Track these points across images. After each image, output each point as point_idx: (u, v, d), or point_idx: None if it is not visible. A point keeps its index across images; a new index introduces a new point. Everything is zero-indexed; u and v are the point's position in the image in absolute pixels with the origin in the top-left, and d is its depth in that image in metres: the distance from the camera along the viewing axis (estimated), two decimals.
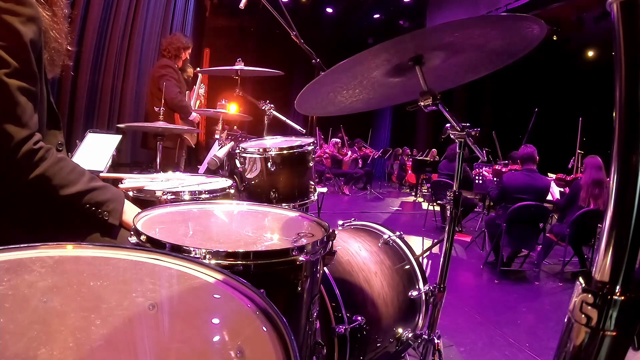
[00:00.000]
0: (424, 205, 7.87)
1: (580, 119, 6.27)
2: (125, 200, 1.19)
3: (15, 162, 0.94)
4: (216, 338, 0.54)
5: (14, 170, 0.96)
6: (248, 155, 1.83)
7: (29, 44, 0.94)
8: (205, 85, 4.22)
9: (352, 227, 1.87)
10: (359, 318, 1.37)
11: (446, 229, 1.32)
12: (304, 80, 1.54)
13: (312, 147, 1.86)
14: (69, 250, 0.69)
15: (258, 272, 0.85)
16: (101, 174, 1.82)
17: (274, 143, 1.98)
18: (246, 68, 2.52)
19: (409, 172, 10.72)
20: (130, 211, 1.18)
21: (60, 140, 1.16)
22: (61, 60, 1.14)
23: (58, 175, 1.02)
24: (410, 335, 1.53)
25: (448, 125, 1.26)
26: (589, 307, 0.45)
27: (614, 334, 0.44)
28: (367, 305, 1.45)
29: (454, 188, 1.32)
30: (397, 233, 1.75)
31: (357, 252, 1.59)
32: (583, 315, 0.46)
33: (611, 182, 0.46)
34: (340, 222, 1.87)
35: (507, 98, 12.48)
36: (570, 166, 6.29)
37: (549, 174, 5.61)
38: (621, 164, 0.45)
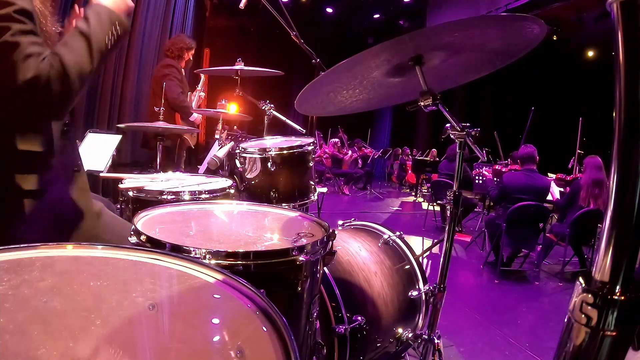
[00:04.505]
0: (424, 205, 7.86)
1: (581, 119, 6.26)
2: None
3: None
4: (216, 338, 0.54)
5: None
6: (248, 155, 1.83)
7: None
8: (205, 85, 4.21)
9: (352, 227, 1.86)
10: (359, 318, 1.37)
11: (446, 229, 1.31)
12: (304, 80, 1.53)
13: (312, 147, 1.86)
14: (69, 250, 0.69)
15: (258, 272, 0.85)
16: (101, 174, 1.82)
17: (274, 143, 1.98)
18: (246, 68, 2.52)
19: (409, 172, 10.72)
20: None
21: (67, 119, 1.15)
22: (52, 43, 1.13)
23: (73, 58, 0.97)
24: (410, 335, 1.53)
25: (448, 125, 1.26)
26: (589, 307, 0.45)
27: (614, 334, 0.44)
28: (367, 305, 1.45)
29: (454, 188, 1.31)
30: (397, 233, 1.75)
31: (357, 252, 1.59)
32: (583, 315, 0.46)
33: (611, 182, 0.46)
34: (340, 222, 1.86)
35: (507, 98, 12.46)
36: (570, 166, 6.28)
37: (549, 174, 5.60)
38: (621, 164, 0.45)
